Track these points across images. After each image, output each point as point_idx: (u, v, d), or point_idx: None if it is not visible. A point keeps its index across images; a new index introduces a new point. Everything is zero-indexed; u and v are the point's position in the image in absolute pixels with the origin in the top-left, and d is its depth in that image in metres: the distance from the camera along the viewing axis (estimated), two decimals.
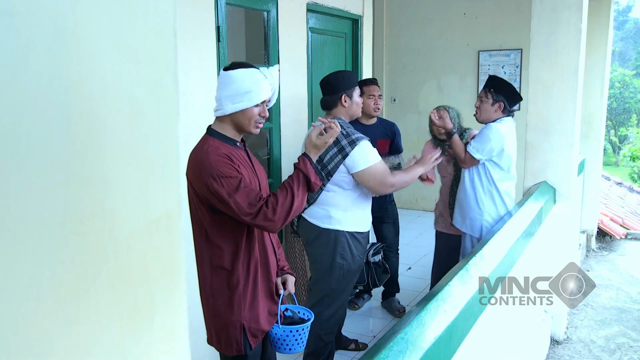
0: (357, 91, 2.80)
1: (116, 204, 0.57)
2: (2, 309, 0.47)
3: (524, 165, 3.60)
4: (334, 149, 2.60)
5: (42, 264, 0.49)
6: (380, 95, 3.66)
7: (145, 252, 0.60)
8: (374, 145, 3.56)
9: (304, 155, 2.00)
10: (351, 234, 2.72)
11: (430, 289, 4.02)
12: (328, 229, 2.70)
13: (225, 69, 1.88)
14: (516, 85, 5.27)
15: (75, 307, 0.52)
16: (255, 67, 1.89)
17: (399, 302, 3.96)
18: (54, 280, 0.50)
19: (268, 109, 1.96)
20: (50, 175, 0.50)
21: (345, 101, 2.75)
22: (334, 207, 2.67)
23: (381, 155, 3.52)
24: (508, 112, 3.15)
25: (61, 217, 0.51)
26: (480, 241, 3.22)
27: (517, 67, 5.32)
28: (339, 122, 2.64)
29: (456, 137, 3.18)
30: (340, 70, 2.88)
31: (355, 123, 3.62)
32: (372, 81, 3.69)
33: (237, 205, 1.79)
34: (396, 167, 3.43)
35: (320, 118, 2.15)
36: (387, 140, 3.73)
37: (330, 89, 2.76)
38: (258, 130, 1.94)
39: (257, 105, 1.88)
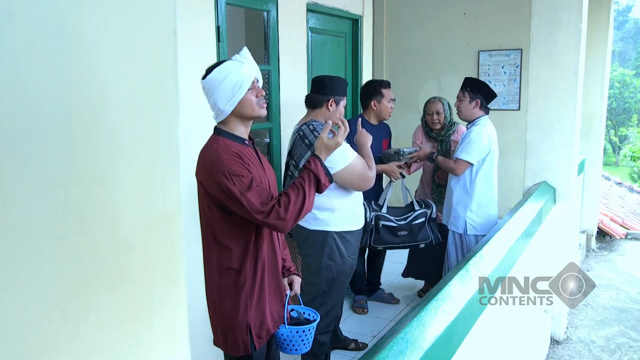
0: (343, 101, 2.81)
1: (116, 204, 0.57)
2: (2, 309, 0.47)
3: (524, 165, 3.60)
4: (308, 153, 2.58)
5: (42, 264, 0.49)
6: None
7: (145, 252, 0.60)
8: (380, 145, 3.62)
9: (314, 156, 2.00)
10: (340, 234, 2.70)
11: (403, 274, 4.08)
12: (316, 231, 2.70)
13: (203, 78, 1.88)
14: (516, 85, 5.28)
15: (75, 307, 0.52)
16: (226, 60, 1.90)
17: (385, 292, 4.01)
18: (54, 280, 0.50)
19: (267, 106, 1.97)
20: (50, 175, 0.50)
21: (331, 105, 2.75)
22: (319, 209, 2.65)
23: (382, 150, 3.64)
24: (485, 108, 3.44)
25: (61, 217, 0.51)
26: (462, 237, 3.48)
27: (517, 67, 5.31)
28: (315, 125, 2.64)
29: (439, 158, 3.59)
30: (336, 76, 2.88)
31: (365, 123, 3.63)
32: (389, 84, 3.67)
33: (250, 204, 1.79)
34: (397, 152, 3.58)
35: (332, 118, 2.15)
36: (387, 140, 3.82)
37: (321, 89, 2.75)
38: (264, 110, 1.94)
39: (250, 89, 1.88)
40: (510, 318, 2.59)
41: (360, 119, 3.69)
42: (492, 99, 3.43)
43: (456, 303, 1.80)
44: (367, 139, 2.75)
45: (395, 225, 3.42)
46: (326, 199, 2.64)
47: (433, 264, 3.80)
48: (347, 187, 2.65)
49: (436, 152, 3.66)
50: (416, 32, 5.63)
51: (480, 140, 3.33)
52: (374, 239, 3.41)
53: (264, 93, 1.95)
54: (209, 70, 1.88)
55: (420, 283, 4.19)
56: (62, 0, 0.50)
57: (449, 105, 3.80)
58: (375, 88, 3.60)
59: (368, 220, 3.37)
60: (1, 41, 0.45)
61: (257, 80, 1.95)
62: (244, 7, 3.60)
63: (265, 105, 1.94)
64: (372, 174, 2.63)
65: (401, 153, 3.54)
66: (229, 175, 1.79)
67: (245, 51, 1.92)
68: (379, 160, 3.57)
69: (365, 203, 3.34)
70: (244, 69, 1.86)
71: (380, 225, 3.39)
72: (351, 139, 3.54)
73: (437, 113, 3.79)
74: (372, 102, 3.59)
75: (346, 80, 2.96)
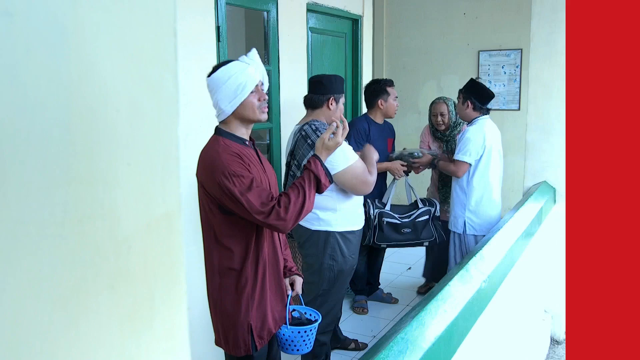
0: (342, 99, 2.82)
1: (116, 204, 0.57)
2: (2, 309, 0.47)
3: (524, 165, 3.60)
4: (311, 153, 2.58)
5: (42, 264, 0.49)
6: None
7: (145, 252, 0.60)
8: (385, 145, 3.62)
9: (315, 156, 2.00)
10: (341, 234, 2.71)
11: (423, 275, 4.08)
12: (318, 231, 2.70)
13: (209, 75, 1.88)
14: (516, 85, 5.28)
15: (75, 307, 0.52)
16: (233, 60, 1.89)
17: (384, 292, 4.01)
18: (54, 280, 0.50)
19: (268, 105, 1.96)
20: (50, 175, 0.50)
21: (331, 104, 2.75)
22: (321, 209, 2.66)
23: (390, 152, 3.63)
24: (480, 109, 3.43)
25: (61, 217, 0.51)
26: (462, 238, 3.49)
27: (517, 67, 5.31)
28: (317, 125, 2.64)
29: (440, 163, 3.61)
30: (332, 74, 2.89)
31: (372, 123, 3.63)
32: (393, 83, 3.69)
33: (250, 204, 1.79)
34: (410, 154, 3.61)
35: (332, 118, 2.15)
36: (392, 140, 3.82)
37: (320, 89, 2.75)
38: (265, 115, 1.94)
39: (252, 92, 1.88)
40: (510, 318, 2.59)
41: (365, 118, 3.70)
42: (488, 100, 3.43)
43: (456, 303, 1.80)
44: (374, 154, 2.76)
45: (398, 222, 3.43)
46: (328, 200, 2.64)
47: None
48: (346, 190, 2.65)
49: (437, 159, 3.67)
50: (416, 32, 5.63)
51: (476, 140, 3.34)
52: (378, 237, 3.41)
53: (266, 98, 1.95)
54: (215, 69, 1.88)
55: (421, 283, 4.19)
56: (62, 0, 0.50)
57: (455, 106, 3.82)
58: (381, 87, 3.62)
59: (372, 217, 3.37)
60: (1, 41, 0.45)
61: (262, 84, 1.94)
62: (244, 7, 3.60)
63: (266, 110, 1.94)
64: (372, 179, 2.63)
65: (416, 155, 3.58)
66: (229, 176, 1.79)
67: (254, 53, 1.92)
68: (388, 160, 3.60)
69: (368, 201, 3.35)
70: (249, 71, 1.86)
71: (384, 223, 3.40)
72: (361, 138, 3.53)
73: (442, 114, 3.82)
74: (379, 101, 3.60)
75: (342, 77, 2.96)
